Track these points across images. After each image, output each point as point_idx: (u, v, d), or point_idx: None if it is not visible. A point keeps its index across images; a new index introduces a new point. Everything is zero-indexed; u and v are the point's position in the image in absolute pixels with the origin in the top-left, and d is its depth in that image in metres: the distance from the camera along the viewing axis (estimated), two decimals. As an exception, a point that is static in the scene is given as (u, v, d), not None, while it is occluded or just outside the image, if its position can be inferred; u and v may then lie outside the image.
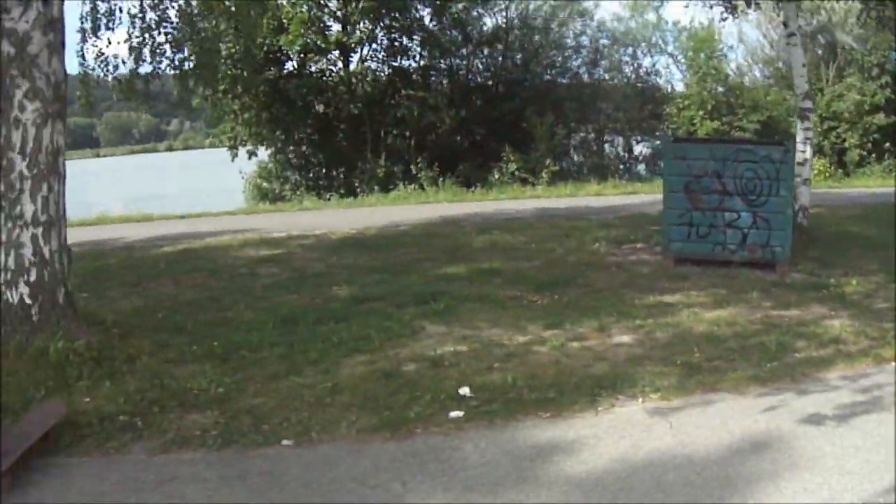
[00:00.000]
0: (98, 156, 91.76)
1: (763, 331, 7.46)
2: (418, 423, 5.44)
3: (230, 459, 5.22)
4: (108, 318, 8.32)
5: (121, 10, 13.66)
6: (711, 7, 16.44)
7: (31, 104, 7.18)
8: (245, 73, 23.72)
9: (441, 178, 23.78)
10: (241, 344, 7.42)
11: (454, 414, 5.54)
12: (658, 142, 28.28)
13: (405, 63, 27.50)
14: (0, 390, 6.15)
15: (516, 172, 24.22)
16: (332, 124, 26.64)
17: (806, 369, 6.41)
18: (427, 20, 27.50)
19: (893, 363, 6.56)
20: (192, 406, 6.09)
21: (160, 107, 64.09)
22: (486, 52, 28.76)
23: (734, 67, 30.02)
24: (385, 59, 27.41)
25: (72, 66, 23.48)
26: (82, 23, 13.90)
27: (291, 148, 27.34)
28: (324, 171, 27.33)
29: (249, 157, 27.15)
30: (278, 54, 25.96)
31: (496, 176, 24.25)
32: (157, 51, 14.32)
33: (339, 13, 26.48)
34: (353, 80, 26.10)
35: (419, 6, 26.96)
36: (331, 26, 26.58)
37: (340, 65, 27.05)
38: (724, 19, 15.65)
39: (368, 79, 26.52)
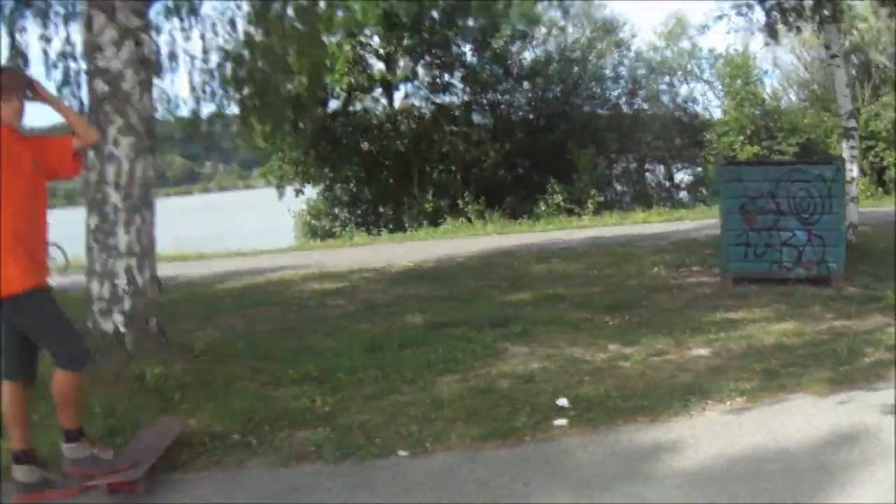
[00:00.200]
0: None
1: (831, 339, 7.73)
2: (525, 432, 5.70)
3: (350, 471, 5.41)
4: (198, 346, 8.63)
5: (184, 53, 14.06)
6: (753, 34, 16.77)
7: (125, 139, 7.54)
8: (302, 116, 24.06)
9: (488, 212, 24.21)
10: (334, 368, 7.66)
11: (558, 422, 5.82)
12: (699, 168, 28.62)
13: (447, 99, 28.03)
14: (96, 412, 6.41)
15: (562, 204, 24.62)
16: (379, 161, 27.16)
17: (878, 370, 6.69)
18: (468, 56, 27.97)
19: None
20: (300, 424, 6.27)
21: (194, 149, 65.03)
22: (526, 85, 29.15)
23: (770, 92, 30.14)
24: (428, 95, 27.93)
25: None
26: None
27: (339, 185, 27.87)
28: (372, 207, 27.77)
29: (296, 195, 27.72)
30: (323, 93, 26.48)
31: (542, 207, 24.63)
32: (220, 91, 14.68)
33: (381, 51, 27.00)
34: (398, 117, 26.66)
35: (460, 43, 27.41)
36: (373, 65, 27.22)
37: (384, 102, 27.68)
38: (767, 44, 15.99)
39: (413, 115, 27.07)
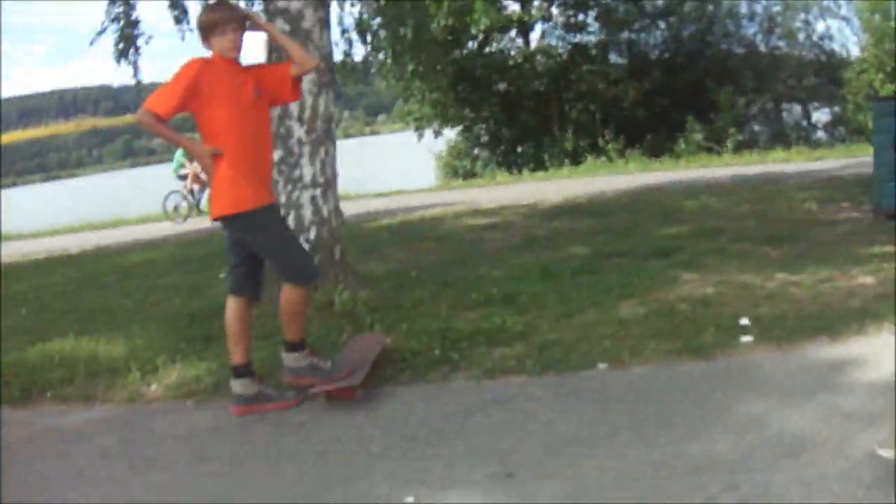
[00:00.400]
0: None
1: None
2: (714, 348, 5.96)
3: (554, 382, 5.68)
4: (378, 273, 9.17)
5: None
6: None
7: (307, 76, 7.82)
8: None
9: (627, 150, 24.27)
10: (515, 292, 7.97)
11: (745, 339, 6.08)
12: (837, 108, 28.07)
13: (583, 39, 28.04)
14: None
15: (701, 142, 24.52)
16: (517, 101, 27.39)
17: None
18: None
19: None
20: (496, 342, 6.54)
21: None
22: (661, 24, 28.95)
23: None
24: (563, 35, 27.98)
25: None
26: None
27: (479, 126, 28.18)
28: (511, 147, 28.06)
29: (435, 137, 28.18)
30: (460, 36, 26.75)
31: (682, 146, 24.59)
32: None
33: (516, -8, 27.08)
34: (538, 56, 26.80)
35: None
36: (507, 5, 27.36)
37: (520, 43, 27.84)
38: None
39: (550, 55, 27.18)
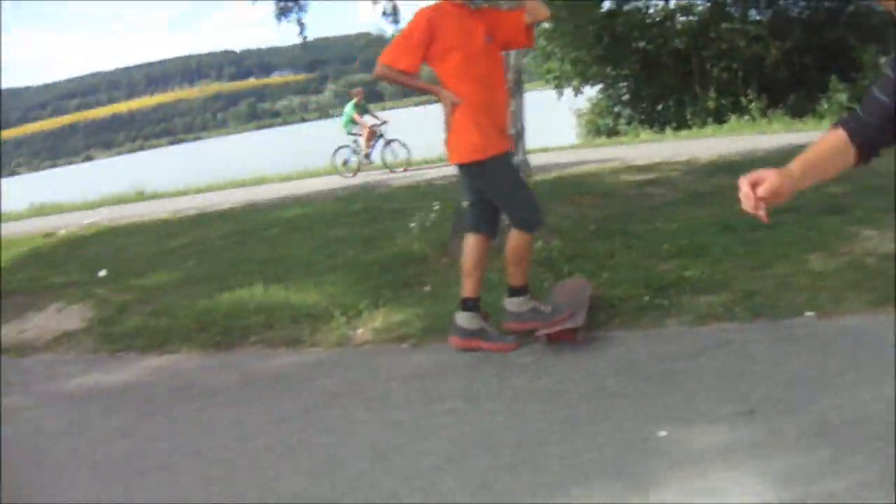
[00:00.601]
0: (384, 109, 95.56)
1: None
2: None
3: (767, 328, 5.77)
4: (563, 226, 9.30)
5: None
6: None
7: None
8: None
9: (770, 109, 24.15)
10: (706, 243, 8.05)
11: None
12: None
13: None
14: (493, 282, 6.89)
15: (845, 102, 24.26)
16: (657, 59, 27.42)
17: None
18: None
19: None
20: (699, 291, 6.65)
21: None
22: (801, -20, 28.56)
23: None
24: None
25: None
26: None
27: (620, 84, 28.28)
28: (651, 105, 28.12)
29: (575, 95, 28.39)
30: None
31: (825, 106, 24.36)
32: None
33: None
34: (678, 14, 26.78)
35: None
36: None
37: (660, 0, 27.87)
38: None
39: (690, 12, 27.12)
